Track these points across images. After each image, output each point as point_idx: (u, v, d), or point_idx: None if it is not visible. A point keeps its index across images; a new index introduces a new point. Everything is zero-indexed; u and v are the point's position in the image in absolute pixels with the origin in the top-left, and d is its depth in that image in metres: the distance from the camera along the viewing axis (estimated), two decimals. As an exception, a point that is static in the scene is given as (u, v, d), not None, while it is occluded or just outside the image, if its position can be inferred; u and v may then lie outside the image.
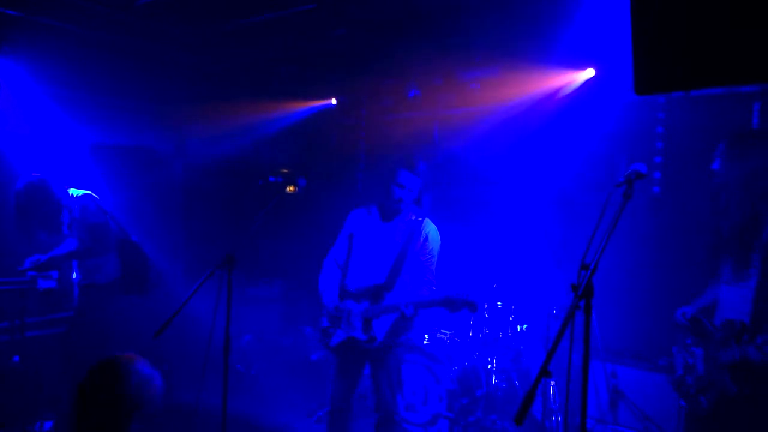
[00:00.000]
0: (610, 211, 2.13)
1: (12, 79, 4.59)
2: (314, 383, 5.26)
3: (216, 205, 5.92)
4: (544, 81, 4.59)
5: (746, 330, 2.59)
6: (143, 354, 2.22)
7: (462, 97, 5.17)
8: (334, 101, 5.63)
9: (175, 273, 4.82)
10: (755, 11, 1.97)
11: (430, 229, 3.42)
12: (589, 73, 4.53)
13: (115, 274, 4.26)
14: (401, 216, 3.44)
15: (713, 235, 2.84)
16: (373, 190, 5.48)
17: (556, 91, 4.62)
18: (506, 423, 4.41)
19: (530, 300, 4.61)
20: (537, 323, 4.58)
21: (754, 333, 2.57)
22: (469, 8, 4.14)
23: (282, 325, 5.76)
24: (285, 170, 5.40)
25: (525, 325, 4.61)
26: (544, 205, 4.72)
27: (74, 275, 4.38)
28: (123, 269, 4.28)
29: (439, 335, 4.69)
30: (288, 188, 5.61)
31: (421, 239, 3.38)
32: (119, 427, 1.96)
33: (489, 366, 4.53)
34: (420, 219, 3.43)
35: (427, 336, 4.66)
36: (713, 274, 2.88)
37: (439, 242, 3.45)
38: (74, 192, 4.12)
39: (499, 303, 4.56)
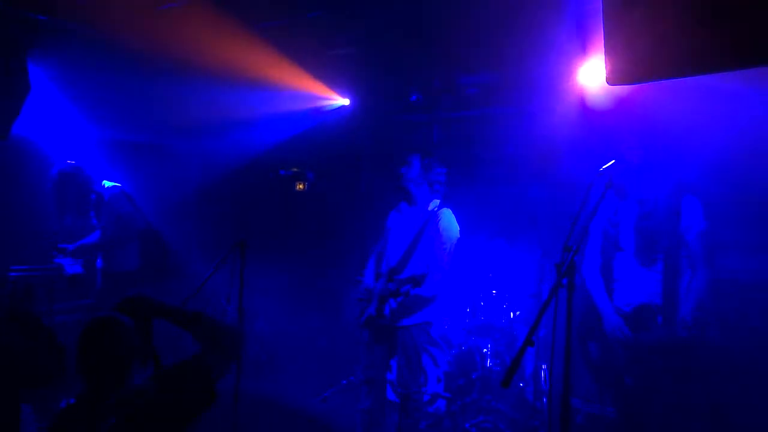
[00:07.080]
0: (592, 200, 2.39)
1: (39, 79, 4.84)
2: (321, 367, 5.52)
3: (230, 198, 6.19)
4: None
5: (660, 311, 2.84)
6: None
7: (460, 102, 5.44)
8: (348, 102, 5.79)
9: (192, 262, 5.10)
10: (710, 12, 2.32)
11: (445, 218, 3.67)
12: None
13: (136, 263, 4.50)
14: (419, 207, 3.75)
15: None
16: (376, 189, 5.80)
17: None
18: (500, 404, 4.68)
19: (523, 288, 4.90)
20: (529, 310, 4.88)
21: (668, 312, 2.81)
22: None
23: (291, 313, 6.00)
24: (295, 168, 5.69)
25: (518, 312, 4.87)
26: (536, 202, 5.02)
27: (98, 263, 4.65)
28: (144, 258, 4.52)
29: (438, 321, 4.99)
30: (298, 186, 5.92)
31: (435, 227, 3.64)
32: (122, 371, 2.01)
33: (484, 350, 4.79)
34: (436, 209, 3.70)
35: (426, 322, 4.95)
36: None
37: (454, 231, 3.68)
38: (105, 183, 4.42)
39: (494, 291, 4.85)
